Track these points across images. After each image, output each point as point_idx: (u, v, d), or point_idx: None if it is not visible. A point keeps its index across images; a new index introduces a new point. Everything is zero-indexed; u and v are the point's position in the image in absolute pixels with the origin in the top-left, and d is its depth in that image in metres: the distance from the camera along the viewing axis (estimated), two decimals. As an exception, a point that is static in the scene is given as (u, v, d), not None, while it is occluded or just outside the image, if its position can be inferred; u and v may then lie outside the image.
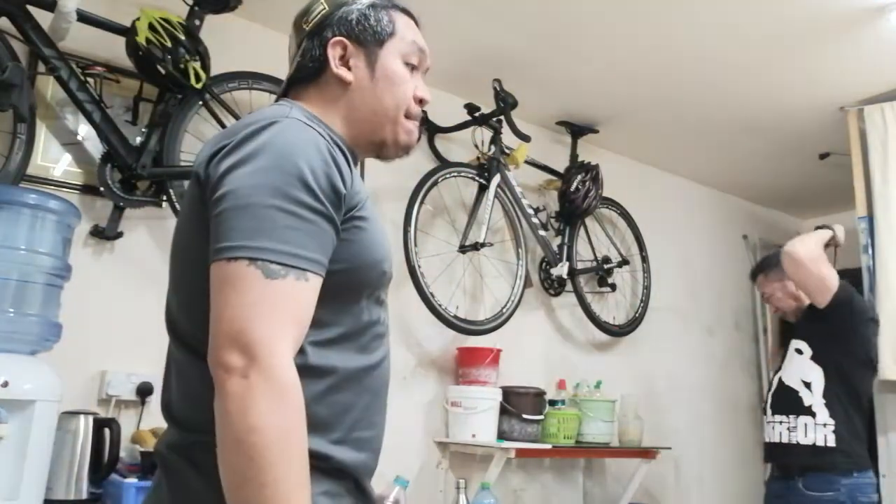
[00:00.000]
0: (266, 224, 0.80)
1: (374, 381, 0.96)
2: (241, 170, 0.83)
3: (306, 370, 0.86)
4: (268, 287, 0.78)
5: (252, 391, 0.75)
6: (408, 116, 1.06)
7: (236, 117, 2.33)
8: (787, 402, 2.42)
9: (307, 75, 1.05)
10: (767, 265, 2.72)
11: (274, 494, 0.73)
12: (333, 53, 1.04)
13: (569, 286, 3.21)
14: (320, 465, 0.86)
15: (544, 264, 3.21)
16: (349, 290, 0.93)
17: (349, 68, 1.04)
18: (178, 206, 2.22)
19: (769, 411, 2.50)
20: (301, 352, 0.86)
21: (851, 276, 3.91)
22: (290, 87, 1.08)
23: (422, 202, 2.69)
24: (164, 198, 2.25)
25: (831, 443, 2.29)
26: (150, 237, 2.31)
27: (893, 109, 2.96)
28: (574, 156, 3.37)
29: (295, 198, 0.82)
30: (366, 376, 0.94)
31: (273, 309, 0.78)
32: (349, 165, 0.93)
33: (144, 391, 2.16)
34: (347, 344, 0.92)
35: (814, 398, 2.36)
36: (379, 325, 0.98)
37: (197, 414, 0.84)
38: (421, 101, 1.08)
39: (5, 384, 1.59)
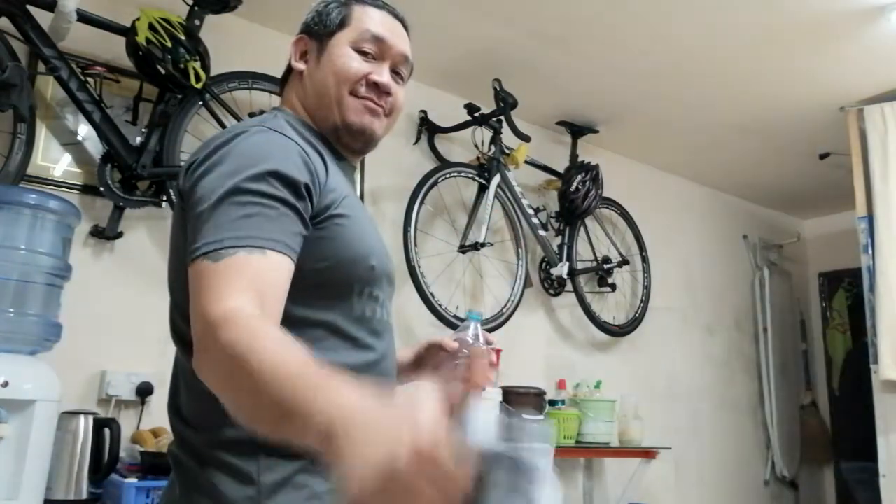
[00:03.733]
0: (222, 220, 0.81)
1: (375, 378, 0.96)
2: (207, 178, 0.87)
3: None
4: (215, 268, 0.78)
5: (212, 347, 0.73)
6: (355, 95, 1.04)
7: (236, 117, 2.33)
8: None
9: (284, 76, 1.13)
10: None
11: (293, 395, 0.65)
12: (295, 49, 1.11)
13: (569, 286, 3.21)
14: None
15: (544, 264, 3.21)
16: (337, 286, 0.94)
17: (306, 62, 1.09)
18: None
19: None
20: None
21: (851, 276, 3.91)
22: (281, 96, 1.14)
23: (422, 202, 2.69)
24: (164, 198, 2.25)
25: None
26: (150, 237, 2.31)
27: (893, 109, 2.96)
28: (574, 156, 3.37)
29: (252, 189, 0.83)
30: (365, 372, 0.94)
31: (220, 281, 0.77)
32: (324, 163, 0.95)
33: (144, 391, 2.16)
34: (341, 340, 0.93)
35: None
36: (374, 321, 0.99)
37: (207, 413, 0.85)
38: (376, 85, 1.05)
39: (5, 384, 1.59)
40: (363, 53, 1.06)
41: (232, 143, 0.90)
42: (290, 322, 0.84)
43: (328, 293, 0.93)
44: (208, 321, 0.74)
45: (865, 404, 3.57)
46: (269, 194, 0.84)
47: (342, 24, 1.07)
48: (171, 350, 0.98)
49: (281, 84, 1.14)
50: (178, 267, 0.94)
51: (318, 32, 1.08)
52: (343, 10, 1.08)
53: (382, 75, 1.06)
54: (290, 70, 1.12)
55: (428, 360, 1.19)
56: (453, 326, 2.70)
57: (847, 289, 4.42)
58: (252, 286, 0.77)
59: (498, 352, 2.72)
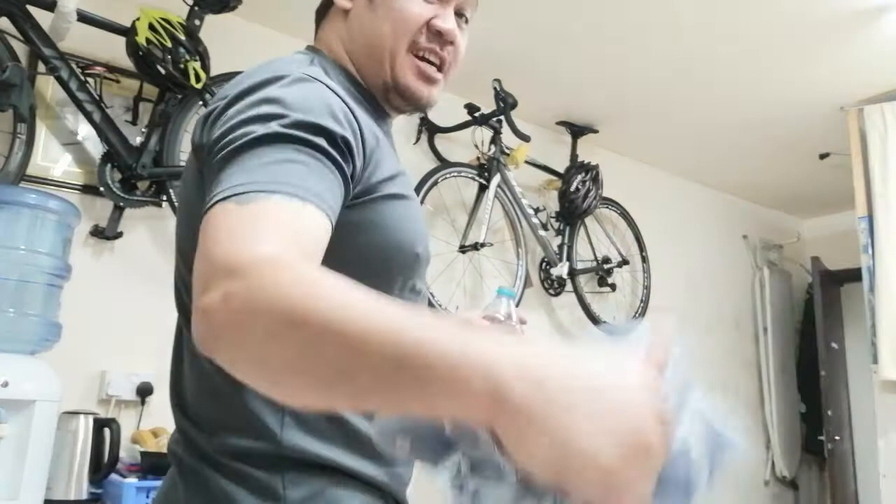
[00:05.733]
0: (253, 163, 0.64)
1: None
2: (234, 121, 0.70)
3: None
4: (240, 211, 0.60)
5: (253, 291, 0.51)
6: (415, 53, 0.88)
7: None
8: None
9: (320, 8, 0.94)
10: None
11: (351, 337, 0.47)
12: None
13: (569, 286, 3.21)
14: (361, 481, 0.79)
15: (544, 264, 3.21)
16: (381, 275, 0.79)
17: None
18: (178, 205, 2.23)
19: None
20: None
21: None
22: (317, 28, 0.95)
23: (422, 202, 2.69)
24: (164, 198, 2.25)
25: None
26: (150, 237, 2.31)
27: (893, 109, 2.96)
28: (574, 156, 3.37)
29: (290, 135, 0.67)
30: None
31: (248, 225, 0.58)
32: (374, 132, 0.80)
33: (144, 391, 2.16)
34: None
35: None
36: None
37: (221, 416, 0.76)
38: (439, 34, 0.88)
39: (5, 384, 1.59)
40: None
41: (266, 89, 0.73)
42: None
43: (370, 284, 0.74)
44: (230, 266, 0.54)
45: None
46: (310, 142, 0.67)
47: None
48: (171, 349, 0.91)
49: (317, 18, 0.95)
50: (188, 227, 0.79)
51: None
52: None
53: (447, 21, 0.89)
54: (329, 3, 0.93)
55: None
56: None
57: (808, 291, 4.39)
58: (293, 235, 0.59)
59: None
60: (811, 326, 4.21)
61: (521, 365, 0.42)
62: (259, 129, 0.67)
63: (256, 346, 0.51)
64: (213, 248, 0.57)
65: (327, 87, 0.77)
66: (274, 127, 0.67)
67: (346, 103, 0.77)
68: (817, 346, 3.79)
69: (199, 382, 0.80)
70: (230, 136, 0.69)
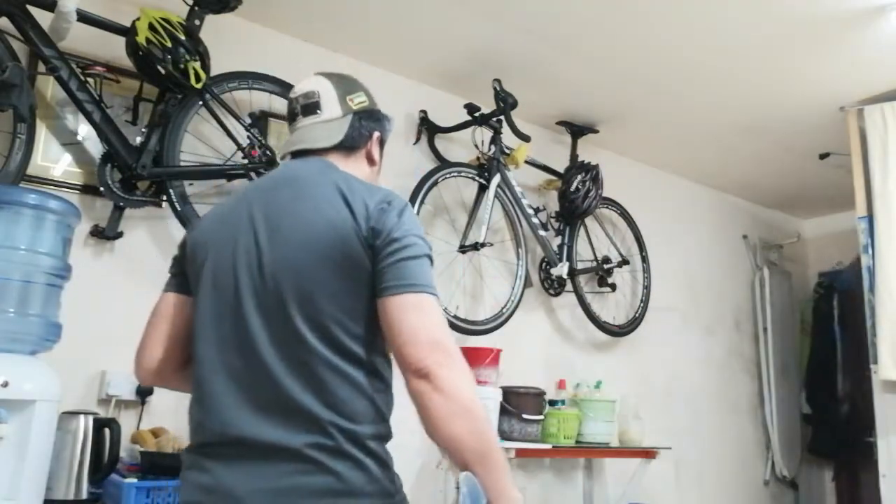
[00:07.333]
0: (426, 271, 1.21)
1: None
2: (411, 230, 1.21)
3: (382, 376, 1.24)
4: (439, 310, 1.20)
5: (458, 377, 1.13)
6: None
7: (236, 117, 2.34)
8: None
9: (351, 145, 1.38)
10: None
11: (493, 436, 1.18)
12: (374, 141, 1.42)
13: (569, 286, 3.20)
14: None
15: (544, 264, 3.21)
16: None
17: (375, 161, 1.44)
18: (177, 206, 2.22)
19: None
20: (386, 357, 1.24)
21: (826, 277, 3.93)
22: (331, 147, 1.36)
23: (422, 202, 2.69)
24: (164, 198, 2.25)
25: None
26: (150, 237, 2.31)
27: (893, 109, 2.96)
28: (574, 156, 3.37)
29: (429, 255, 1.24)
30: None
31: (445, 323, 1.20)
32: None
33: (144, 391, 2.16)
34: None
35: None
36: None
37: (366, 407, 1.17)
38: None
39: (5, 384, 1.59)
40: None
41: (407, 208, 1.24)
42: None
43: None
44: (448, 352, 1.14)
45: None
46: (431, 259, 1.24)
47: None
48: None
49: (345, 148, 1.37)
50: (349, 282, 1.19)
51: (383, 140, 1.44)
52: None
53: None
54: (358, 146, 1.39)
55: None
56: (453, 327, 2.70)
57: (816, 290, 4.40)
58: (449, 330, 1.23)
59: (498, 352, 2.74)
60: (821, 327, 4.20)
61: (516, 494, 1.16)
62: (423, 249, 1.22)
63: (457, 401, 1.12)
64: (436, 327, 1.17)
65: None
66: (426, 249, 1.22)
67: None
68: (834, 347, 3.72)
69: (353, 386, 1.18)
70: (413, 244, 1.20)
